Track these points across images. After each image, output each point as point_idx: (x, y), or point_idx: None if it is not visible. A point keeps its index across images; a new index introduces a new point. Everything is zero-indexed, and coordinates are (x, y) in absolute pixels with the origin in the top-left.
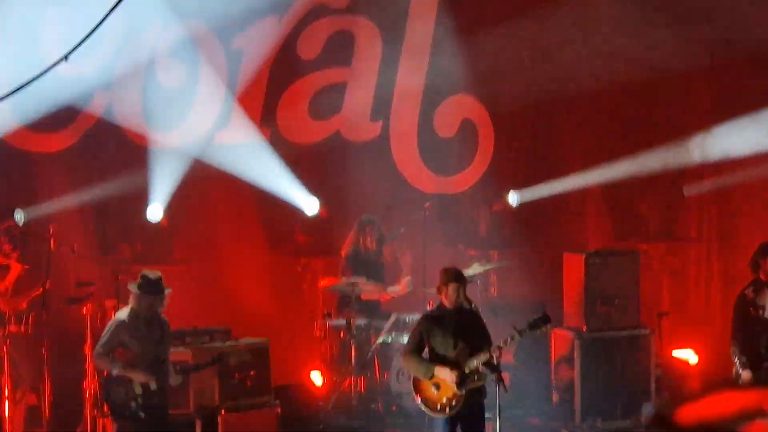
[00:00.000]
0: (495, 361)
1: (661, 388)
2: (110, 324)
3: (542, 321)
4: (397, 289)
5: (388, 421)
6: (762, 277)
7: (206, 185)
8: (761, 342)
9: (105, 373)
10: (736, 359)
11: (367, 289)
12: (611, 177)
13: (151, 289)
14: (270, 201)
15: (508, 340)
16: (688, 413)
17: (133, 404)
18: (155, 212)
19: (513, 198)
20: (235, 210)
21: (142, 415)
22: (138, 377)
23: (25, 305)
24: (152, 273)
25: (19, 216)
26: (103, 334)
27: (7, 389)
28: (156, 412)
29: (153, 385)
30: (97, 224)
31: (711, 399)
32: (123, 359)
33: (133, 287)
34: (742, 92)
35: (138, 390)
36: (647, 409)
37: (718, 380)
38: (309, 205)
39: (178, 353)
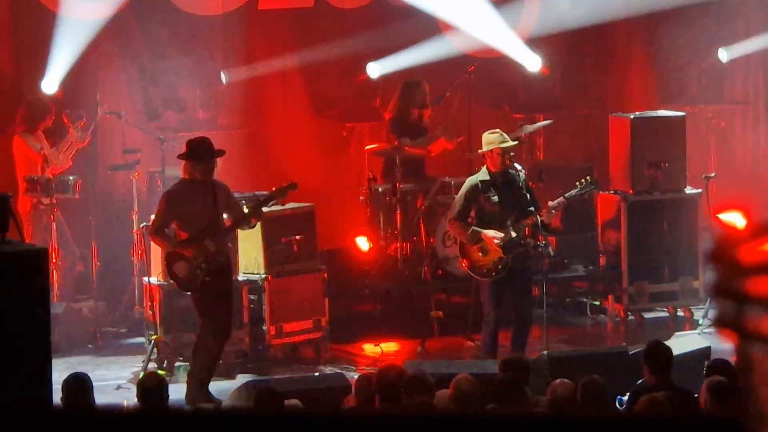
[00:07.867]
0: (543, 224)
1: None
2: (162, 199)
3: (589, 185)
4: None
5: (435, 285)
6: None
7: (252, 52)
8: None
9: (162, 249)
10: None
11: (412, 153)
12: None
13: (202, 154)
14: (314, 65)
15: (555, 204)
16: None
17: (198, 272)
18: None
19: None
20: (280, 74)
21: (208, 279)
22: (189, 251)
23: (70, 162)
24: (197, 138)
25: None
26: (156, 212)
27: (55, 257)
28: (223, 268)
29: (211, 246)
30: (142, 90)
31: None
32: (178, 229)
33: (181, 157)
34: None
35: (199, 258)
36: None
37: None
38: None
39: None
